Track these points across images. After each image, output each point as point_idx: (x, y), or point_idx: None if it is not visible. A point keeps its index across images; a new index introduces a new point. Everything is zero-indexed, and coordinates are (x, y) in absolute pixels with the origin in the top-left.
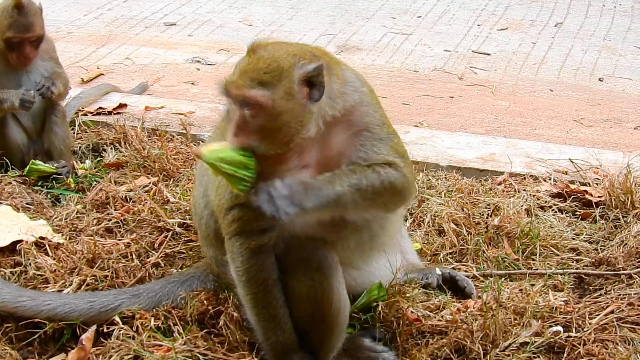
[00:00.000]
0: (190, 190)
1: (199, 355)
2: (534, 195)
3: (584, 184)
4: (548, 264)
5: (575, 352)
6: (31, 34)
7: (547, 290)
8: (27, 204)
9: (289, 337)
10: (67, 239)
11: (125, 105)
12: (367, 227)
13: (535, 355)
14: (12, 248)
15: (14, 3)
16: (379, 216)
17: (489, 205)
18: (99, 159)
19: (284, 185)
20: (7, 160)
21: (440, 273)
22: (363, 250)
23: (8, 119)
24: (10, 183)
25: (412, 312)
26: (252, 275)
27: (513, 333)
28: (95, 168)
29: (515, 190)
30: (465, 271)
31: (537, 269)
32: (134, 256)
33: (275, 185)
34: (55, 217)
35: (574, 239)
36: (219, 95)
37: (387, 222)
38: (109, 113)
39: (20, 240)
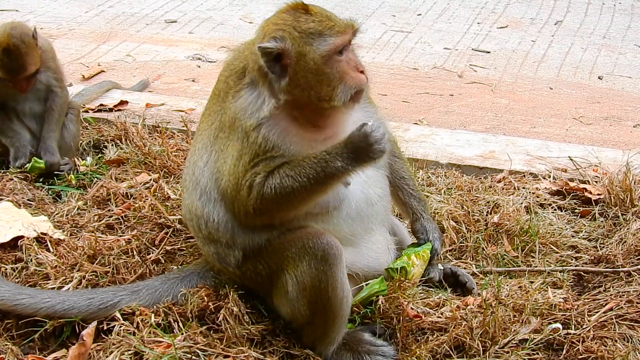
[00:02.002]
0: None
1: (198, 351)
2: (533, 193)
3: (584, 182)
4: (547, 261)
5: (574, 349)
6: (22, 75)
7: (547, 287)
8: (28, 200)
9: None
10: (68, 235)
11: (126, 102)
12: (365, 194)
13: (534, 352)
14: (14, 244)
15: (2, 46)
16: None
17: (488, 202)
18: (100, 155)
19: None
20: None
21: (441, 268)
22: (362, 219)
23: (13, 118)
24: (12, 179)
25: (412, 308)
26: (287, 180)
27: (512, 330)
28: (96, 165)
29: (514, 188)
30: (465, 268)
31: (536, 267)
32: (134, 252)
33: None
34: (57, 214)
35: (573, 236)
36: (340, 45)
37: (383, 193)
38: (110, 110)
39: (22, 236)
